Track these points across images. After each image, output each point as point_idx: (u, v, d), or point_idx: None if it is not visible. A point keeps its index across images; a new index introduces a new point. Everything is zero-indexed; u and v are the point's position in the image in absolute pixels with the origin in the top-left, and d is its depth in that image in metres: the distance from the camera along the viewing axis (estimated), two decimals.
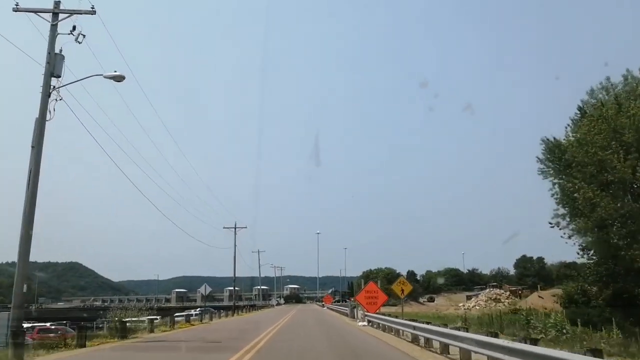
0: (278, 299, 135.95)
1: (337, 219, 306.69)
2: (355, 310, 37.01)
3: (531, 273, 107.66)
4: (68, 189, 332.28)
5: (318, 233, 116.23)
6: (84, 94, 20.22)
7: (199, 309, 59.04)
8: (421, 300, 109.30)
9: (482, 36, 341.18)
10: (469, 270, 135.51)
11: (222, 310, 55.44)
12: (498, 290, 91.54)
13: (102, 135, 34.65)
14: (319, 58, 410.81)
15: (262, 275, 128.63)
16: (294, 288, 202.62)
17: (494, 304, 68.69)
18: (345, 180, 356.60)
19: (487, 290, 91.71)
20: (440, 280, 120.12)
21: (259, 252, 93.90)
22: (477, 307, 69.44)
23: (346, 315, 43.64)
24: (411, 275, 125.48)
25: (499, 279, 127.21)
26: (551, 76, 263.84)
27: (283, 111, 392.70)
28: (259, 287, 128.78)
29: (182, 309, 72.83)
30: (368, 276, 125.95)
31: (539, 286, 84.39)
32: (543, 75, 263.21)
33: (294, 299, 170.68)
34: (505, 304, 66.68)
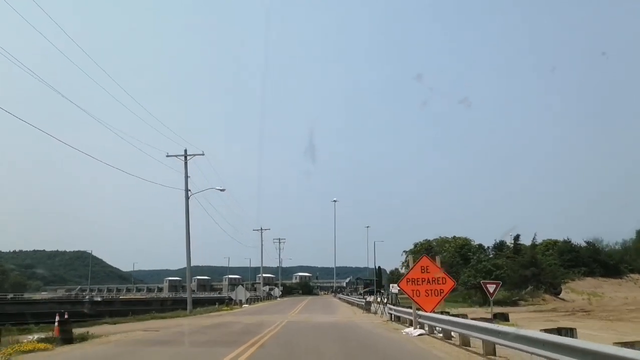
0: (270, 289, 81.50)
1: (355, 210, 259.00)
2: None
3: None
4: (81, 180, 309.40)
5: (334, 201, 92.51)
6: None
7: None
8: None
9: (478, 26, 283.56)
10: (587, 244, 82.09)
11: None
12: None
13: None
14: (315, 52, 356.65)
15: (272, 266, 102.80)
16: (304, 276, 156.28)
17: None
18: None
19: None
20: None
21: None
22: None
23: None
24: (498, 248, 72.41)
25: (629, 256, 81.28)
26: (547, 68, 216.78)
27: (283, 106, 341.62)
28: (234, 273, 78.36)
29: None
30: (430, 249, 72.76)
31: None
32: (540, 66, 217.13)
33: (301, 289, 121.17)
34: None
